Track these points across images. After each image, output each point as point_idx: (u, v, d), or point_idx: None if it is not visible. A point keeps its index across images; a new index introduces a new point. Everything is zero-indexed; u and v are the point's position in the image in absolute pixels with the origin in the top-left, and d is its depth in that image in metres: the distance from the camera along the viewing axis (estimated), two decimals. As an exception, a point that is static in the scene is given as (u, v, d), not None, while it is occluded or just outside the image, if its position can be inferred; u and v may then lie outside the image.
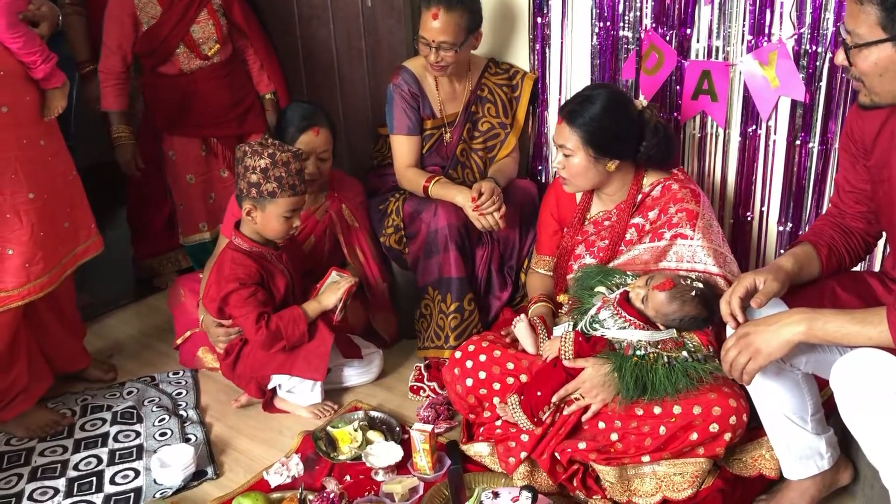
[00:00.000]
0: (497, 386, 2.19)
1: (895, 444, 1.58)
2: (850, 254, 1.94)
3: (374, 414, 2.43)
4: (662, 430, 1.99)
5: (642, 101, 2.31)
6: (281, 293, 2.47)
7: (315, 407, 2.52)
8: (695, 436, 1.96)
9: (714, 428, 1.95)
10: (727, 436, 1.96)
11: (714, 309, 1.94)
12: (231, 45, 3.08)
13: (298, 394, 2.52)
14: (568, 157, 2.26)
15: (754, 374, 1.70)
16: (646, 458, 2.01)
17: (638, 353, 2.03)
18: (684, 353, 2.03)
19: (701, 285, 2.05)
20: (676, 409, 1.98)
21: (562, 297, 2.40)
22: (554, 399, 2.07)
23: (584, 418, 2.08)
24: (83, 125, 3.53)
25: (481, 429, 2.23)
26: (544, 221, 2.54)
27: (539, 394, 2.07)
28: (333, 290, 2.46)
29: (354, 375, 2.67)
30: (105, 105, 3.01)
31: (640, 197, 2.33)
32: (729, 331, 1.83)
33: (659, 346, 2.04)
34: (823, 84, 2.31)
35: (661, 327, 2.07)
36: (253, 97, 3.18)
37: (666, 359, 2.01)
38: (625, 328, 2.07)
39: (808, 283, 1.90)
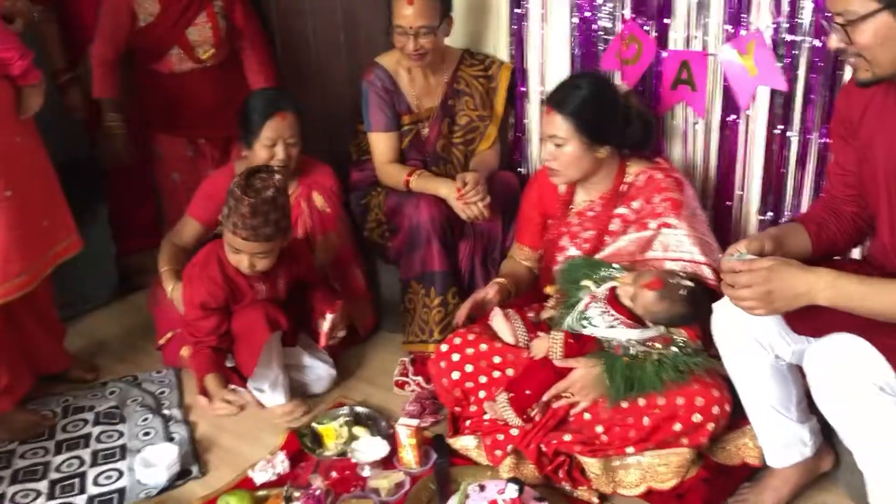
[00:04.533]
0: (483, 379, 2.19)
1: (867, 425, 1.61)
2: (842, 236, 1.90)
3: (359, 409, 2.43)
4: (646, 421, 2.00)
5: (623, 85, 2.32)
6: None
7: (281, 408, 2.48)
8: (678, 426, 1.98)
9: (697, 418, 1.97)
10: (710, 426, 1.97)
11: (702, 305, 1.94)
12: (227, 47, 3.01)
13: (265, 395, 2.48)
14: (559, 147, 2.22)
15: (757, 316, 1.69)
16: (630, 450, 2.03)
17: (629, 353, 2.03)
18: (674, 349, 2.03)
19: (690, 284, 2.03)
20: (660, 401, 1.99)
21: (549, 289, 2.39)
22: (544, 398, 2.07)
23: (572, 412, 2.09)
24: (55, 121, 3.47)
25: (467, 422, 2.23)
26: (527, 215, 2.52)
27: (528, 392, 2.07)
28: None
29: (312, 383, 2.60)
30: (97, 92, 2.92)
31: (623, 187, 2.32)
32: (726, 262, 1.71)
33: (648, 344, 2.04)
34: (801, 73, 2.32)
35: (650, 324, 2.07)
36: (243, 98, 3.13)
37: (656, 356, 2.01)
38: (614, 326, 2.07)
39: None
